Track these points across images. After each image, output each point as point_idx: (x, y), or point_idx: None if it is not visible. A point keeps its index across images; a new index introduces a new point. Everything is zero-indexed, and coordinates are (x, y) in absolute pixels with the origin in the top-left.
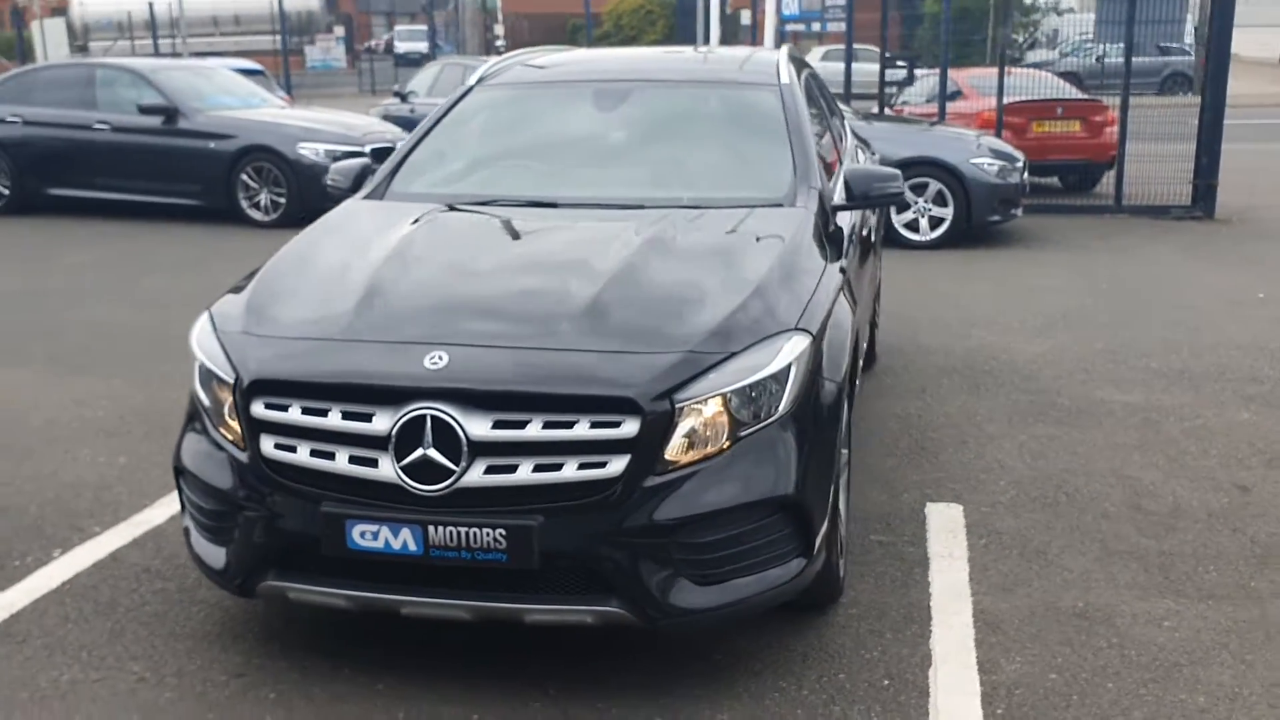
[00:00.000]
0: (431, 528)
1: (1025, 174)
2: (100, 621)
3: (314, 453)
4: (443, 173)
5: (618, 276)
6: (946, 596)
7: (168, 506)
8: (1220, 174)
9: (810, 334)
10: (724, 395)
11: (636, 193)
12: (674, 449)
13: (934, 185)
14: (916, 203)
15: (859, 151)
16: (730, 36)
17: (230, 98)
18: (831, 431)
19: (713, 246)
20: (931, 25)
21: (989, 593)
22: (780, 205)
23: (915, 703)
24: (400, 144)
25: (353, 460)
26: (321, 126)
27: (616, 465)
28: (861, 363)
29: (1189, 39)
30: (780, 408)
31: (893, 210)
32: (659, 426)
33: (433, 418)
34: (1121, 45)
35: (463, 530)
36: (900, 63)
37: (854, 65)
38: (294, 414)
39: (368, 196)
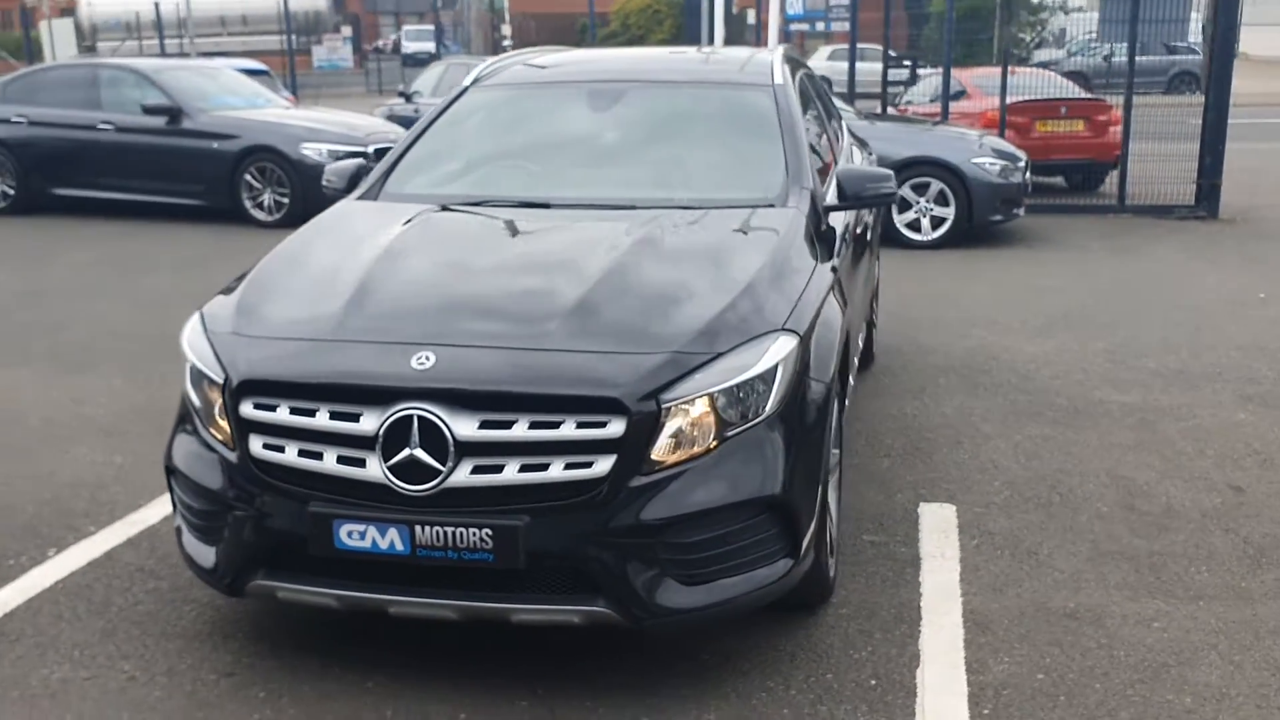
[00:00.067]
0: (418, 528)
1: (1028, 173)
2: (93, 620)
3: (302, 453)
4: (437, 173)
5: (606, 277)
6: (937, 596)
7: (163, 506)
8: (1225, 174)
9: (797, 334)
10: (710, 395)
11: (629, 193)
12: (660, 449)
13: (935, 185)
14: (918, 202)
15: (856, 151)
16: (736, 36)
17: (234, 98)
18: (819, 432)
19: (702, 247)
20: (938, 25)
21: (979, 593)
22: (772, 206)
23: (902, 703)
24: (395, 144)
25: (340, 460)
26: (325, 127)
27: (603, 465)
28: (857, 362)
29: (1194, 38)
30: (767, 408)
31: (894, 210)
32: (645, 427)
33: (419, 418)
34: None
35: (449, 530)
36: (905, 62)
37: (860, 65)
38: (282, 414)
39: (362, 197)
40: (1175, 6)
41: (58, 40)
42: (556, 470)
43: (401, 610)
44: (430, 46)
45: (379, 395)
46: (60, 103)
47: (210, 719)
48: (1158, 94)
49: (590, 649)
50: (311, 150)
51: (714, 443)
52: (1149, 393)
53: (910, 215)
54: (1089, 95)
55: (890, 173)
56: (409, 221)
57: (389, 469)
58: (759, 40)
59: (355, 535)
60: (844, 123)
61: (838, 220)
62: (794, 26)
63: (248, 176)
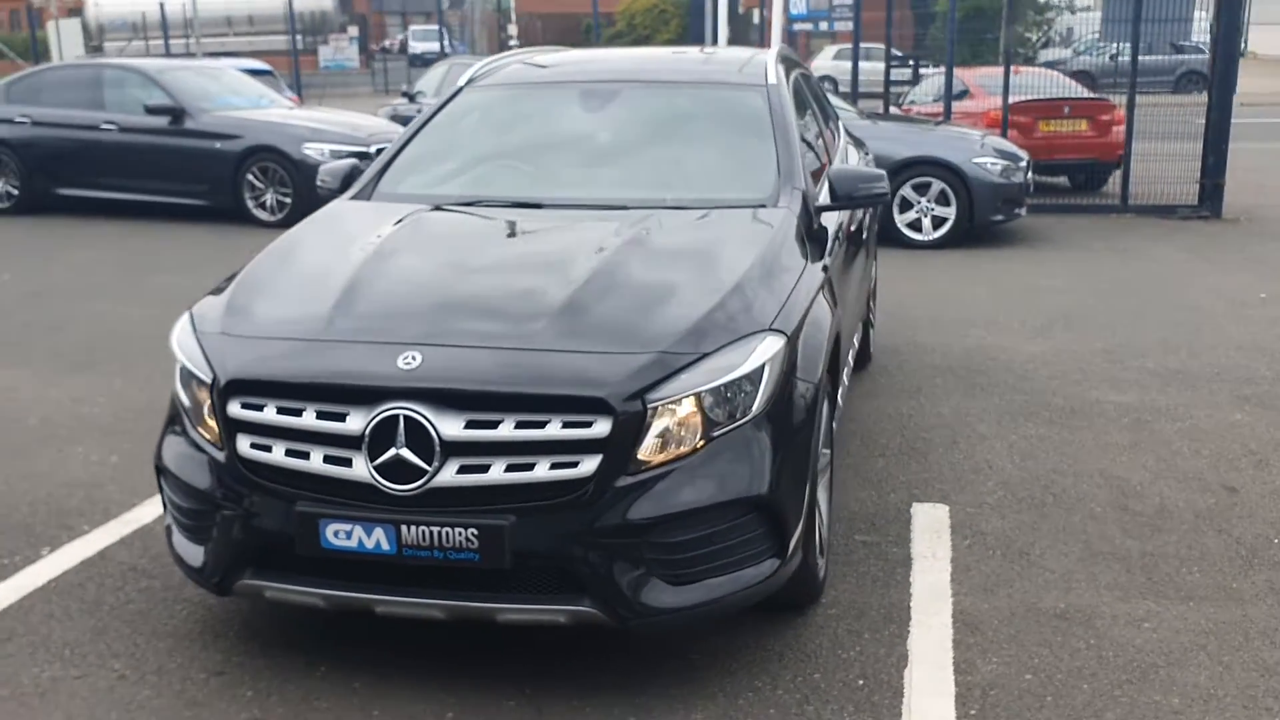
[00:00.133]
0: (404, 527)
1: (1029, 173)
2: (84, 619)
3: (289, 452)
4: (429, 173)
5: (595, 277)
6: (927, 597)
7: (157, 505)
8: (1230, 173)
9: (785, 334)
10: (697, 395)
11: (621, 193)
12: (647, 449)
13: (936, 185)
14: (919, 202)
15: (852, 151)
16: (741, 36)
17: (237, 98)
18: (807, 431)
19: (691, 247)
20: (944, 24)
21: (970, 593)
22: (763, 206)
23: (889, 703)
24: (388, 144)
25: (327, 460)
26: (327, 127)
27: (588, 465)
28: (852, 362)
29: (1198, 37)
30: (754, 408)
31: (895, 210)
32: (631, 427)
33: (405, 418)
34: (1140, 43)
35: (435, 530)
36: (908, 62)
37: (865, 64)
38: (269, 414)
39: (355, 197)
40: (1178, 6)
41: (65, 40)
42: (542, 470)
43: (388, 610)
44: (438, 47)
45: (365, 395)
46: (64, 103)
47: (198, 717)
48: (1165, 93)
49: (578, 648)
50: (314, 150)
51: (701, 442)
52: (1146, 393)
53: (911, 215)
54: (1092, 95)
55: (883, 173)
56: (399, 221)
57: (375, 469)
58: (763, 40)
59: (342, 535)
60: (840, 123)
61: (830, 220)
62: (797, 26)
63: (250, 176)
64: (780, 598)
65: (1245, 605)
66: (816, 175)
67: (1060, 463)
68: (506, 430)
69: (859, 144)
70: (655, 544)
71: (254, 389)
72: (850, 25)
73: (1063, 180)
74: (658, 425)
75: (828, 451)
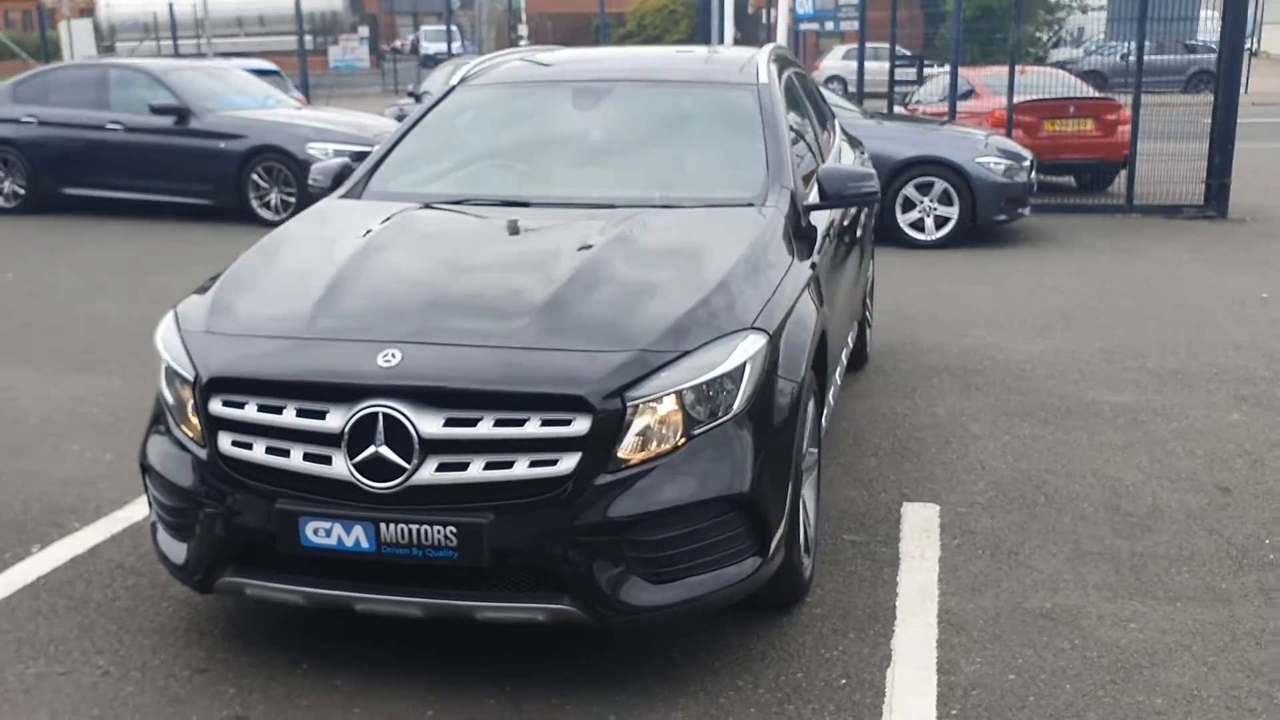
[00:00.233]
0: (383, 525)
1: (1033, 173)
2: (71, 616)
3: (270, 450)
4: (420, 172)
5: (577, 275)
6: (913, 596)
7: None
8: (1237, 173)
9: (766, 333)
10: (678, 393)
11: (609, 192)
12: (627, 447)
13: (939, 184)
14: (922, 202)
15: (847, 151)
16: (752, 37)
17: (243, 98)
18: (790, 430)
19: (676, 246)
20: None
21: (956, 593)
22: (751, 205)
23: (870, 702)
24: (380, 143)
25: (307, 458)
26: (332, 127)
27: (567, 463)
28: (845, 361)
29: (1204, 36)
30: (735, 406)
31: (898, 209)
32: (611, 425)
33: (384, 415)
34: (1150, 42)
35: (414, 528)
36: (916, 61)
37: (873, 64)
38: (250, 411)
39: (345, 195)
40: (1184, 4)
41: (76, 41)
42: (521, 468)
43: (367, 607)
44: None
45: (344, 393)
46: (70, 103)
47: (181, 714)
48: (1176, 93)
49: (559, 646)
50: (318, 150)
51: (681, 440)
52: (1143, 393)
53: (914, 215)
54: (1098, 94)
55: (872, 172)
56: (386, 220)
57: (354, 466)
58: (770, 39)
59: (321, 532)
60: (836, 122)
61: (821, 219)
62: (803, 26)
63: (255, 176)
64: (765, 596)
65: (1233, 606)
66: (809, 175)
67: (1053, 463)
68: (485, 428)
69: (855, 143)
70: (635, 542)
71: (235, 387)
72: (856, 25)
73: (1068, 180)
74: (638, 423)
75: (815, 450)
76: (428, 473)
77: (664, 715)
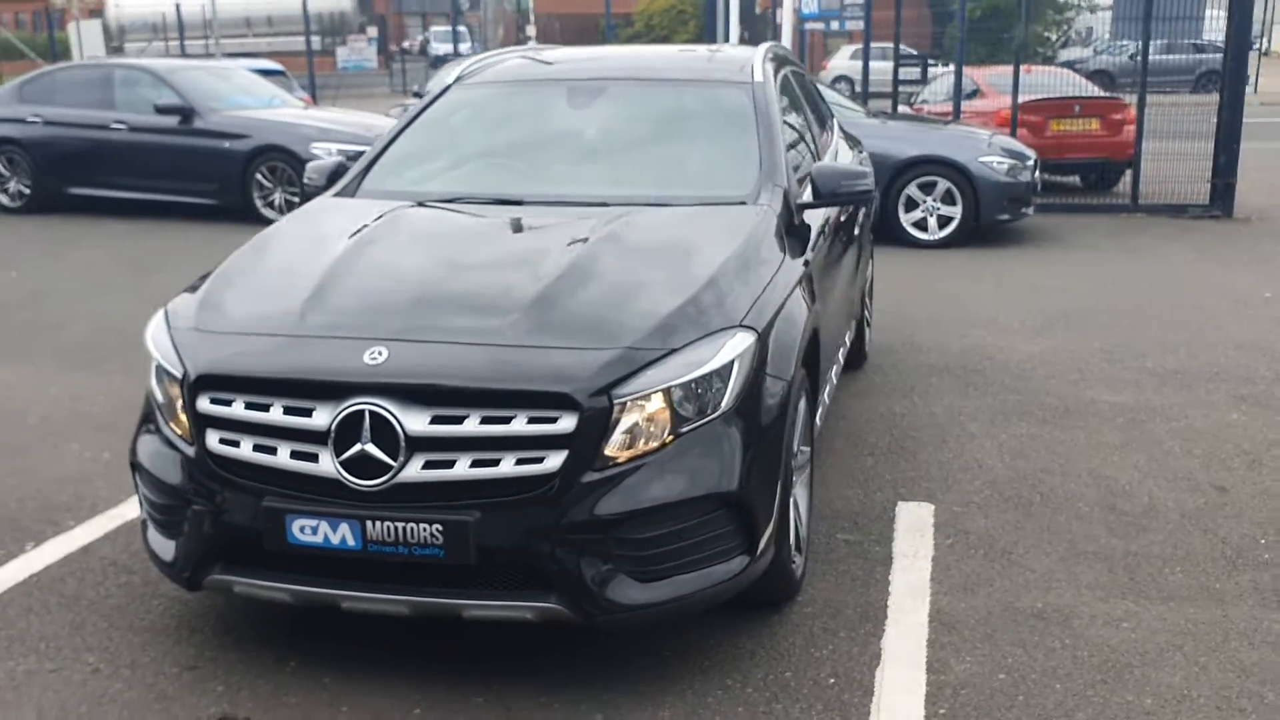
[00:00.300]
0: (369, 523)
1: (1037, 172)
2: (62, 614)
3: (257, 448)
4: (414, 170)
5: (566, 273)
6: (905, 595)
7: None
8: (1242, 172)
9: (755, 331)
10: (665, 391)
11: (602, 190)
12: (614, 445)
13: (942, 184)
14: (925, 201)
15: (845, 149)
16: (760, 37)
17: (247, 98)
18: (779, 428)
19: (666, 244)
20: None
21: (948, 592)
22: (743, 203)
23: (858, 701)
24: (376, 141)
25: (294, 455)
26: (336, 126)
27: (554, 461)
28: (841, 360)
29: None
30: (724, 404)
31: (901, 209)
32: (597, 422)
33: (371, 413)
34: (1159, 42)
35: (400, 525)
36: (931, 60)
37: (880, 64)
38: (238, 409)
39: (339, 194)
40: (1190, 3)
41: (86, 41)
42: (507, 466)
43: (354, 605)
44: (462, 48)
45: (331, 390)
46: (75, 103)
47: (168, 711)
48: (1185, 93)
49: (549, 644)
50: (322, 150)
51: (669, 438)
52: (1142, 392)
53: (917, 214)
54: (1104, 94)
55: (866, 170)
56: (378, 218)
57: (341, 464)
58: (777, 39)
59: (308, 530)
60: (835, 120)
61: (815, 217)
62: (808, 25)
63: (259, 176)
64: (755, 596)
65: (1226, 605)
66: (804, 173)
67: (1050, 462)
68: (472, 426)
69: (854, 142)
70: (622, 540)
71: (223, 384)
72: (861, 25)
73: (1074, 180)
74: (625, 421)
75: (806, 449)
76: (414, 470)
77: (651, 714)
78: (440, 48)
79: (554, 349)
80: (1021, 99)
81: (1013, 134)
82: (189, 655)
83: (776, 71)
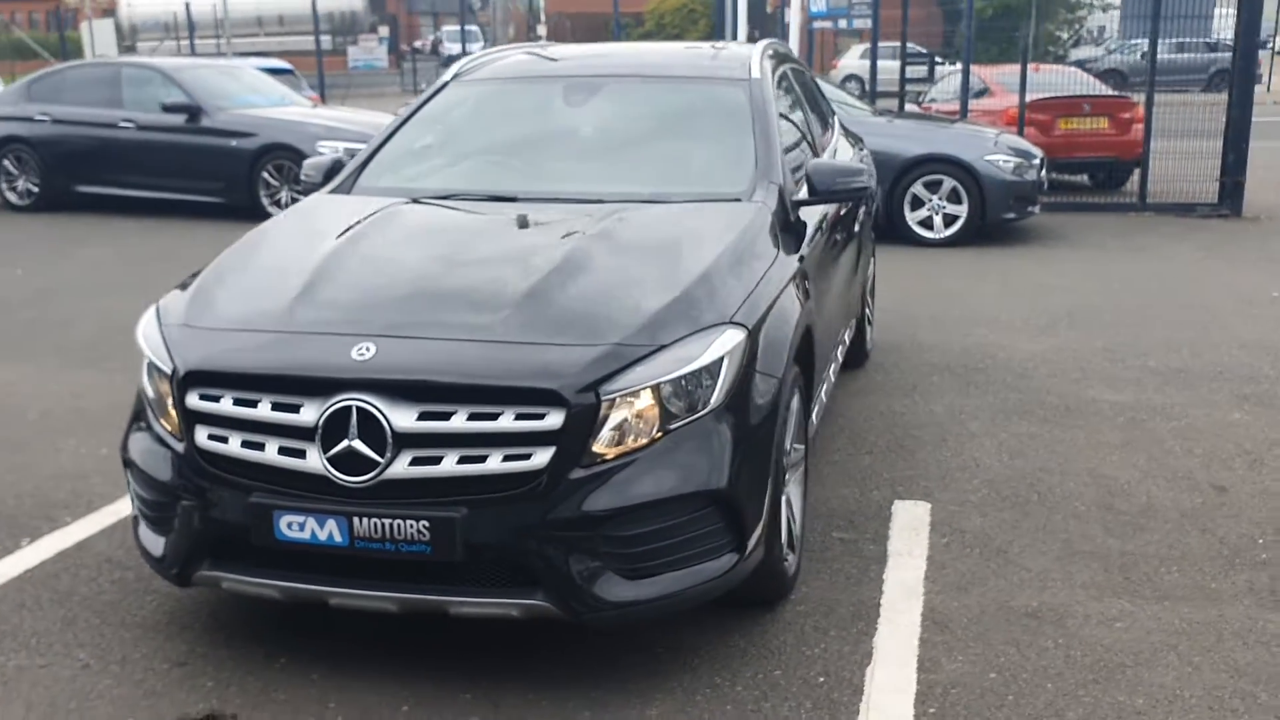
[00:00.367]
0: (356, 519)
1: (1043, 171)
2: (55, 609)
3: (245, 444)
4: (410, 167)
5: (557, 270)
6: (898, 594)
7: None
8: (1251, 171)
9: (745, 328)
10: (654, 387)
11: (597, 187)
12: (602, 441)
13: (948, 182)
14: (930, 200)
15: (845, 146)
16: (770, 35)
17: (255, 96)
18: (770, 425)
19: (659, 241)
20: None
21: (942, 591)
22: (738, 200)
23: (848, 700)
24: (372, 138)
25: (281, 451)
26: (343, 125)
27: (541, 457)
28: (840, 359)
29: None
30: (713, 400)
31: (906, 207)
32: (585, 419)
33: (358, 409)
34: (1171, 40)
35: (386, 522)
36: (940, 59)
37: (888, 63)
38: (226, 405)
39: (335, 190)
40: (1198, 2)
41: (98, 40)
42: (495, 462)
43: (341, 602)
44: (474, 47)
45: (319, 386)
46: (83, 101)
47: (156, 708)
48: (1197, 92)
49: (537, 641)
50: (328, 148)
51: (658, 435)
52: (1143, 392)
53: (923, 213)
54: (1112, 92)
55: (864, 168)
56: (371, 214)
57: (328, 460)
58: (786, 38)
59: (295, 526)
60: (836, 118)
61: (812, 215)
62: (817, 24)
63: (265, 174)
64: (749, 593)
65: (1222, 605)
66: (801, 170)
67: (1049, 461)
68: (459, 422)
69: (856, 140)
70: (610, 537)
71: (212, 380)
72: (869, 23)
73: (1083, 179)
74: (614, 417)
75: (801, 447)
76: (401, 467)
77: (639, 712)
78: (452, 47)
79: (542, 345)
80: (1030, 98)
81: (1020, 133)
82: (179, 651)
83: (775, 69)
